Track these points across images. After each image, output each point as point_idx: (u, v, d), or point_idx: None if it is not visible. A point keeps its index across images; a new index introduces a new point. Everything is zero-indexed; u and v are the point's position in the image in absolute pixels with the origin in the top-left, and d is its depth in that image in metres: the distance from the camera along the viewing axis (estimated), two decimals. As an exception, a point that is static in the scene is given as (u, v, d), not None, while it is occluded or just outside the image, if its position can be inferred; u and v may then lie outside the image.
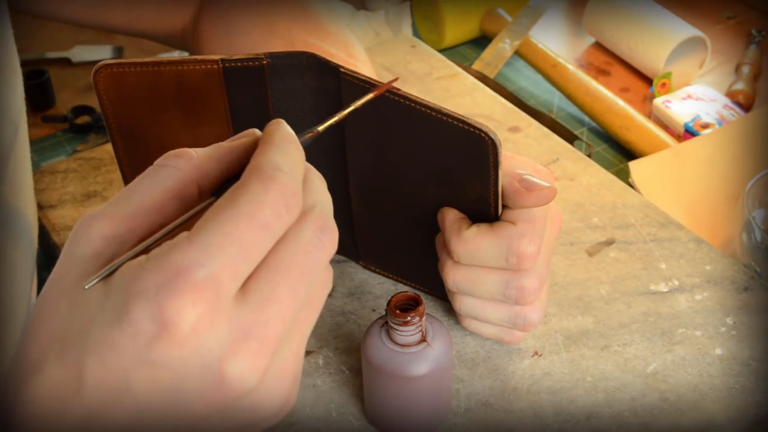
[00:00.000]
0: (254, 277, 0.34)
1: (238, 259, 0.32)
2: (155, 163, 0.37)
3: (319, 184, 0.37)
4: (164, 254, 0.32)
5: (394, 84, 0.50)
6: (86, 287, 0.33)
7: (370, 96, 0.47)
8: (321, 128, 0.42)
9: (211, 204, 0.36)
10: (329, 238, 0.35)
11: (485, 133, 0.50)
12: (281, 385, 0.35)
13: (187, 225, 0.35)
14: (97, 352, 0.32)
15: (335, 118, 0.43)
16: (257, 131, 0.39)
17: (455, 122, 0.51)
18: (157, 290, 0.31)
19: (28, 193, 0.68)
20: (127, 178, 0.58)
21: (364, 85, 0.52)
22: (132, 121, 0.55)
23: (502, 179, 0.52)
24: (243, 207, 0.33)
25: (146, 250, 0.34)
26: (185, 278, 0.31)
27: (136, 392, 0.32)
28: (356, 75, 0.52)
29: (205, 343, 0.32)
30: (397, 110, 0.52)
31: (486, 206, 0.53)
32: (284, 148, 0.36)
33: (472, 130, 0.50)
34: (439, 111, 0.51)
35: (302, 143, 0.40)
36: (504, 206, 0.54)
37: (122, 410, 0.33)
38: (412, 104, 0.51)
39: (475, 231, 0.53)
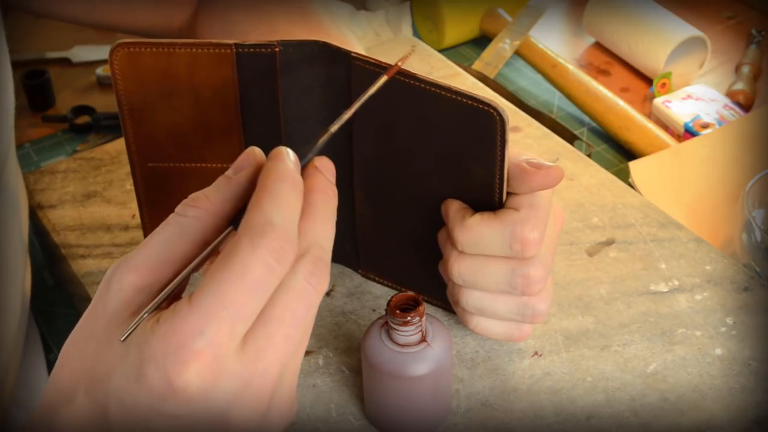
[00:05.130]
0: (251, 328, 0.37)
1: (234, 320, 0.36)
2: (176, 211, 0.40)
3: (321, 216, 0.40)
4: (169, 321, 0.36)
5: (408, 59, 0.49)
6: (122, 340, 0.37)
7: (381, 81, 0.46)
8: (334, 129, 0.42)
9: (228, 234, 0.39)
10: (321, 279, 0.38)
11: (494, 108, 0.49)
12: (282, 415, 0.39)
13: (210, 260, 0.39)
14: (118, 398, 0.36)
15: (348, 114, 0.43)
16: (257, 153, 0.41)
17: (463, 99, 0.50)
18: (164, 359, 0.35)
19: (21, 194, 0.69)
20: (135, 164, 0.58)
21: (375, 69, 0.51)
22: (143, 104, 0.55)
23: (508, 162, 0.52)
24: (233, 269, 0.36)
25: (168, 300, 0.38)
26: (186, 349, 0.35)
27: (155, 429, 0.36)
28: (368, 59, 0.52)
29: (211, 397, 0.36)
30: (404, 91, 0.51)
31: (490, 194, 0.53)
32: (278, 190, 0.38)
33: (480, 106, 0.50)
34: (448, 89, 0.50)
35: (318, 147, 0.40)
36: (508, 193, 0.53)
37: None
38: (420, 84, 0.51)
39: (478, 218, 0.53)
